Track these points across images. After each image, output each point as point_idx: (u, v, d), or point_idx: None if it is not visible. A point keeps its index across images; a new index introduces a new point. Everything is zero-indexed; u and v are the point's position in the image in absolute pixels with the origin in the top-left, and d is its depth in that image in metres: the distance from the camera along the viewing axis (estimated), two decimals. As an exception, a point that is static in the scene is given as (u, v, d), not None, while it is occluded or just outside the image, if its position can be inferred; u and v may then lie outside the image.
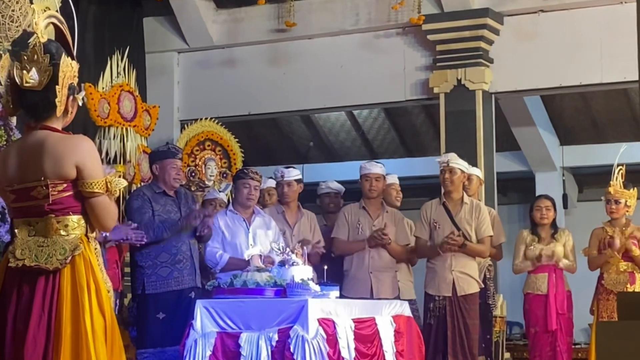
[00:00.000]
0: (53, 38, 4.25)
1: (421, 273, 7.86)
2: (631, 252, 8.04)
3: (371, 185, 7.94)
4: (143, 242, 6.80)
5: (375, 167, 7.98)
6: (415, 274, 8.34)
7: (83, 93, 4.22)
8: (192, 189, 9.52)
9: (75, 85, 4.16)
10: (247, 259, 6.99)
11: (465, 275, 7.50)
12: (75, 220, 4.09)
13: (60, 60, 4.05)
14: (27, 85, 4.04)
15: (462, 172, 7.66)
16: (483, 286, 7.79)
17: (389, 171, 8.75)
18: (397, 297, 7.70)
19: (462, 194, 7.67)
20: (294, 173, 8.05)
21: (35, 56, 4.05)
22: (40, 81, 4.04)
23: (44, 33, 4.11)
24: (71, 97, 4.14)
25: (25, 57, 4.06)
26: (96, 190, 4.07)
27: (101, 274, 4.12)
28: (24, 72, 4.03)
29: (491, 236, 7.72)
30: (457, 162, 7.63)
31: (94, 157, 4.10)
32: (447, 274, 7.49)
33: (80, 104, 4.19)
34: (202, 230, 7.06)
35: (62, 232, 4.06)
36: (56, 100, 4.04)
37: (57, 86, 4.03)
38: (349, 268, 7.92)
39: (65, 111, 4.14)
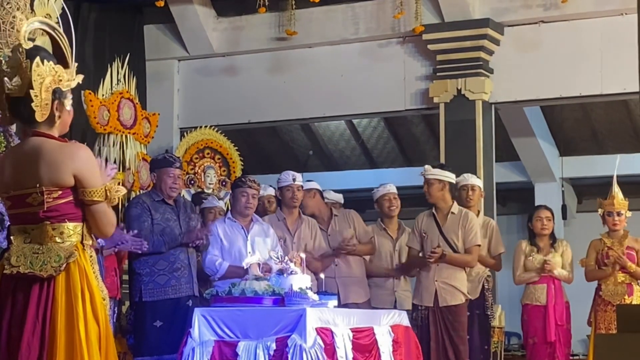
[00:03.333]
0: (51, 45, 4.23)
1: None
2: (626, 267, 8.03)
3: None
4: (142, 250, 6.79)
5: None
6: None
7: (70, 97, 4.16)
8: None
9: (63, 89, 4.11)
10: (245, 267, 6.98)
11: (449, 286, 7.51)
12: (70, 228, 4.07)
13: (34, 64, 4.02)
14: (9, 92, 4.03)
15: (440, 181, 7.65)
16: (469, 298, 7.75)
17: (388, 180, 8.77)
18: (368, 302, 7.81)
19: (450, 204, 7.68)
20: (301, 178, 8.08)
21: (18, 62, 4.03)
22: (21, 87, 4.02)
23: (26, 39, 4.08)
24: (56, 102, 4.10)
25: (10, 64, 4.04)
26: (96, 199, 4.07)
27: (96, 282, 4.10)
28: (6, 79, 4.02)
29: (479, 245, 7.72)
30: (432, 173, 7.64)
31: (92, 165, 4.09)
32: (430, 284, 7.53)
33: (68, 108, 4.14)
34: (194, 242, 7.06)
35: (58, 239, 4.04)
36: (33, 104, 4.02)
37: (32, 90, 4.00)
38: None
39: (52, 116, 4.10)
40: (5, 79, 4.02)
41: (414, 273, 8.21)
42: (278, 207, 8.25)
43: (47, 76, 4.04)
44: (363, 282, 8.01)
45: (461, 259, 7.59)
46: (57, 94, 4.10)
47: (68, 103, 4.14)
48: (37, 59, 4.01)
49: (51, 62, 4.07)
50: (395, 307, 7.82)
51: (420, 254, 7.68)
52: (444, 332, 7.43)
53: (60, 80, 4.10)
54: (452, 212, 7.65)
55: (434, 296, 7.48)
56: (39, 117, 4.05)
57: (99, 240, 6.19)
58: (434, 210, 7.71)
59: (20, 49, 4.03)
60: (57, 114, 4.11)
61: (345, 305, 7.42)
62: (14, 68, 4.03)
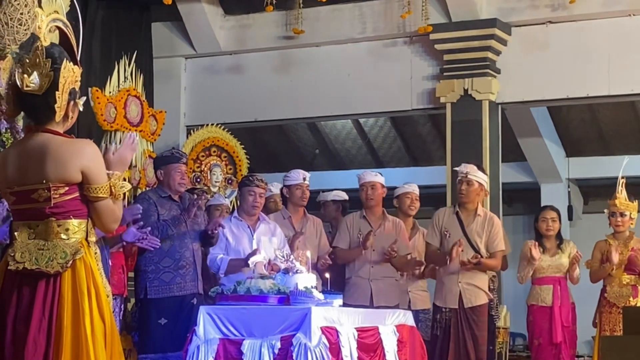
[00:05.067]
0: (58, 42, 4.23)
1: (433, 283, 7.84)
2: (637, 266, 8.01)
3: (366, 194, 7.95)
4: (157, 247, 6.79)
5: (369, 176, 7.99)
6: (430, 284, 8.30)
7: (84, 98, 4.21)
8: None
9: (77, 89, 4.15)
10: (251, 266, 6.99)
11: (472, 287, 7.45)
12: (75, 224, 4.08)
13: (61, 65, 4.04)
14: (28, 89, 4.03)
15: (480, 185, 7.61)
16: (492, 297, 7.74)
17: (394, 180, 8.76)
18: (398, 306, 7.70)
19: (477, 205, 7.63)
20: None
21: (37, 60, 4.03)
22: (41, 86, 4.03)
23: (47, 36, 4.09)
24: (72, 102, 4.13)
25: (27, 61, 4.05)
26: (101, 195, 4.07)
27: (101, 279, 4.11)
28: (25, 75, 4.02)
29: (503, 250, 7.68)
30: (476, 175, 7.57)
31: (99, 161, 4.10)
32: (454, 286, 7.46)
33: (81, 109, 4.18)
34: (213, 229, 7.07)
35: (63, 236, 4.05)
36: (55, 106, 4.04)
37: (57, 92, 4.02)
38: (350, 275, 7.94)
39: (66, 116, 4.13)
40: (25, 76, 4.02)
41: (429, 271, 8.19)
42: (283, 206, 8.25)
43: (68, 77, 4.07)
44: (395, 285, 7.97)
45: (490, 265, 7.53)
46: (72, 95, 4.12)
47: (81, 103, 4.17)
48: (65, 60, 4.03)
49: (70, 63, 4.10)
50: (409, 308, 7.81)
51: (439, 251, 7.59)
52: (466, 333, 7.36)
53: (76, 81, 4.13)
54: (479, 214, 7.59)
55: (458, 297, 7.45)
56: (58, 117, 4.07)
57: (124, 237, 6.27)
58: (457, 209, 7.66)
59: (40, 47, 4.04)
60: (70, 114, 4.15)
61: (378, 308, 7.40)
62: (33, 65, 4.04)
